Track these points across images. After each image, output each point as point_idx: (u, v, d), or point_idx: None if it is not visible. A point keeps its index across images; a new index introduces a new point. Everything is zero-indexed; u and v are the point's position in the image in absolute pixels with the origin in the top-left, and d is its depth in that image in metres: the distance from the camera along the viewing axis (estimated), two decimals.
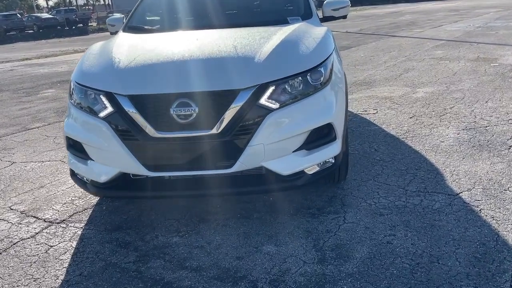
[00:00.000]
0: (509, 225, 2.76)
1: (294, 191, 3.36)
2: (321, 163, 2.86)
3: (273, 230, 2.93)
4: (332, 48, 3.16)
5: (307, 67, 2.80)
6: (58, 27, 38.33)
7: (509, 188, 3.23)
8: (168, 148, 2.70)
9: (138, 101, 2.66)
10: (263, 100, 2.64)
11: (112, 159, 2.76)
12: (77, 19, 41.59)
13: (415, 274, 2.37)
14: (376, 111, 5.51)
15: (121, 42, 3.38)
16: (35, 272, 2.65)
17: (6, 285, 2.54)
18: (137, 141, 2.66)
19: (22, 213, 3.43)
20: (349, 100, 6.07)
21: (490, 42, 10.61)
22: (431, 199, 3.15)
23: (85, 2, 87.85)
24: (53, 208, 3.47)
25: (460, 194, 3.20)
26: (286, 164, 2.74)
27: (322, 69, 2.86)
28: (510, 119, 4.75)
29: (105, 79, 2.83)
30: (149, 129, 2.63)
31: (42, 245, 2.95)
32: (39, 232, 3.12)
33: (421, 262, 2.47)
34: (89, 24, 43.30)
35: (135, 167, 2.71)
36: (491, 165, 3.65)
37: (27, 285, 2.53)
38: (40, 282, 2.55)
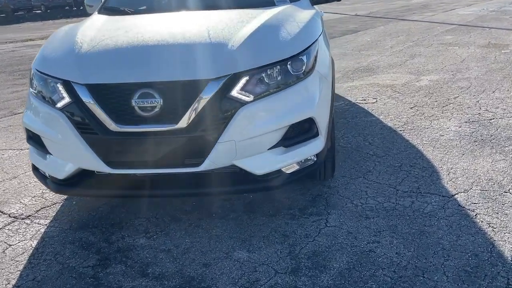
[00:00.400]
0: (506, 234, 2.49)
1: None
2: (301, 161, 2.61)
3: (248, 233, 2.69)
4: (318, 34, 2.88)
5: (286, 55, 2.53)
6: (66, 8, 37.95)
7: (510, 190, 2.95)
8: (130, 144, 2.45)
9: (97, 91, 2.40)
10: (235, 92, 2.37)
11: (70, 154, 2.52)
12: None
13: None
14: (375, 100, 5.20)
15: (91, 25, 3.08)
16: None
17: None
18: (96, 135, 2.41)
19: None
20: (348, 88, 5.79)
21: (502, 27, 10.14)
22: (423, 201, 2.88)
23: None
24: (21, 202, 3.26)
25: (456, 195, 2.93)
26: (260, 162, 2.48)
27: (304, 57, 2.58)
28: None
29: (63, 66, 2.57)
30: (109, 122, 2.38)
31: (0, 244, 2.75)
32: (1, 228, 2.92)
33: (404, 276, 2.22)
34: None
35: (94, 163, 2.47)
36: (492, 163, 3.36)
37: None
38: None
